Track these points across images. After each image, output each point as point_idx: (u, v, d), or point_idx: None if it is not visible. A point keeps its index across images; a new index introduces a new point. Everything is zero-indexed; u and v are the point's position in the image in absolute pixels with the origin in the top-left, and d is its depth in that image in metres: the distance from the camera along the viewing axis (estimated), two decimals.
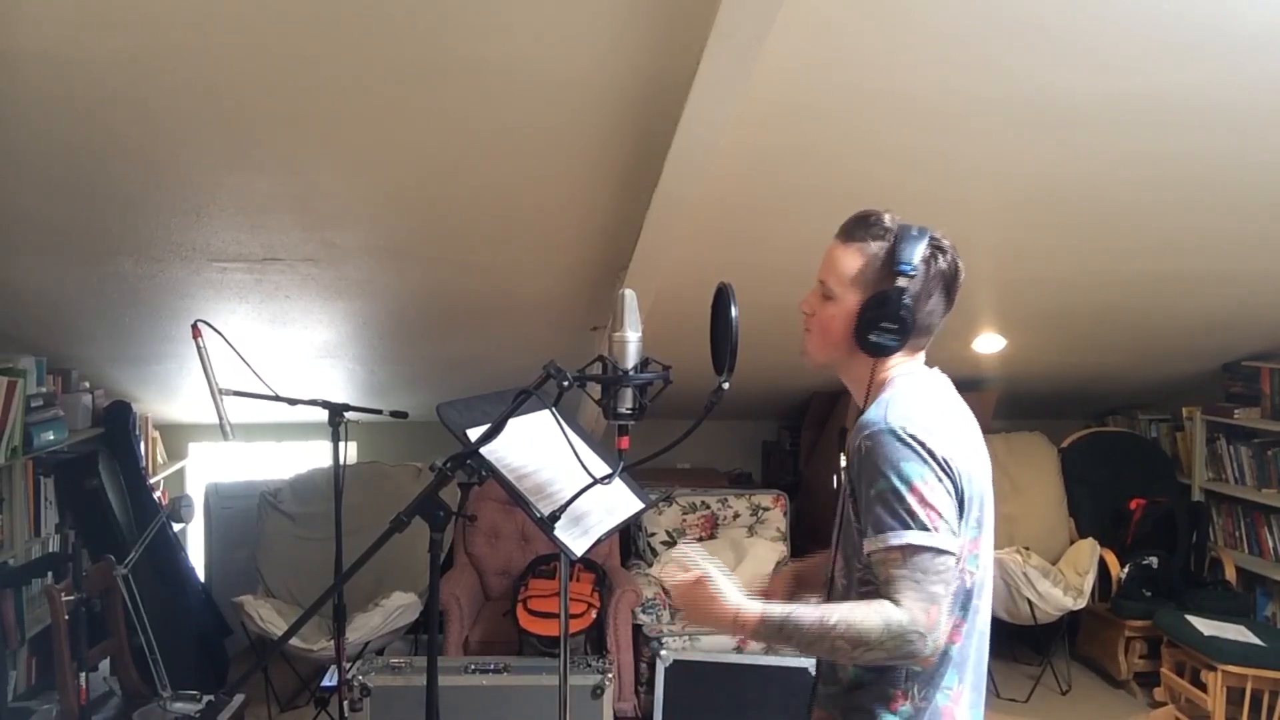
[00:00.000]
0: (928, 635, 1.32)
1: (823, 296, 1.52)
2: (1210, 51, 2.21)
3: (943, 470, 1.36)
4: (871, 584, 1.39)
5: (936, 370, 1.55)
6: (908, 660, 1.35)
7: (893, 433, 1.37)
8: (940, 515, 1.34)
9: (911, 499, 1.34)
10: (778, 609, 1.39)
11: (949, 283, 1.48)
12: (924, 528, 1.33)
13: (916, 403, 1.42)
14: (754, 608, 1.40)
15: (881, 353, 1.46)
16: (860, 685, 1.46)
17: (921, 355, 1.54)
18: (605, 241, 3.08)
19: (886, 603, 1.33)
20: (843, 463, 3.63)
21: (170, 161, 2.55)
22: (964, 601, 1.43)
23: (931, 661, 1.38)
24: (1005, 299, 3.71)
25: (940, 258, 1.47)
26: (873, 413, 1.42)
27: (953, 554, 1.35)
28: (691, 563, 1.47)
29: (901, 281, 1.43)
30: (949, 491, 1.36)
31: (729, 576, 1.45)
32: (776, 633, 1.37)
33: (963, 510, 1.40)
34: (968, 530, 1.42)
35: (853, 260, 1.48)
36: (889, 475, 1.36)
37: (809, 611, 1.37)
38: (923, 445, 1.36)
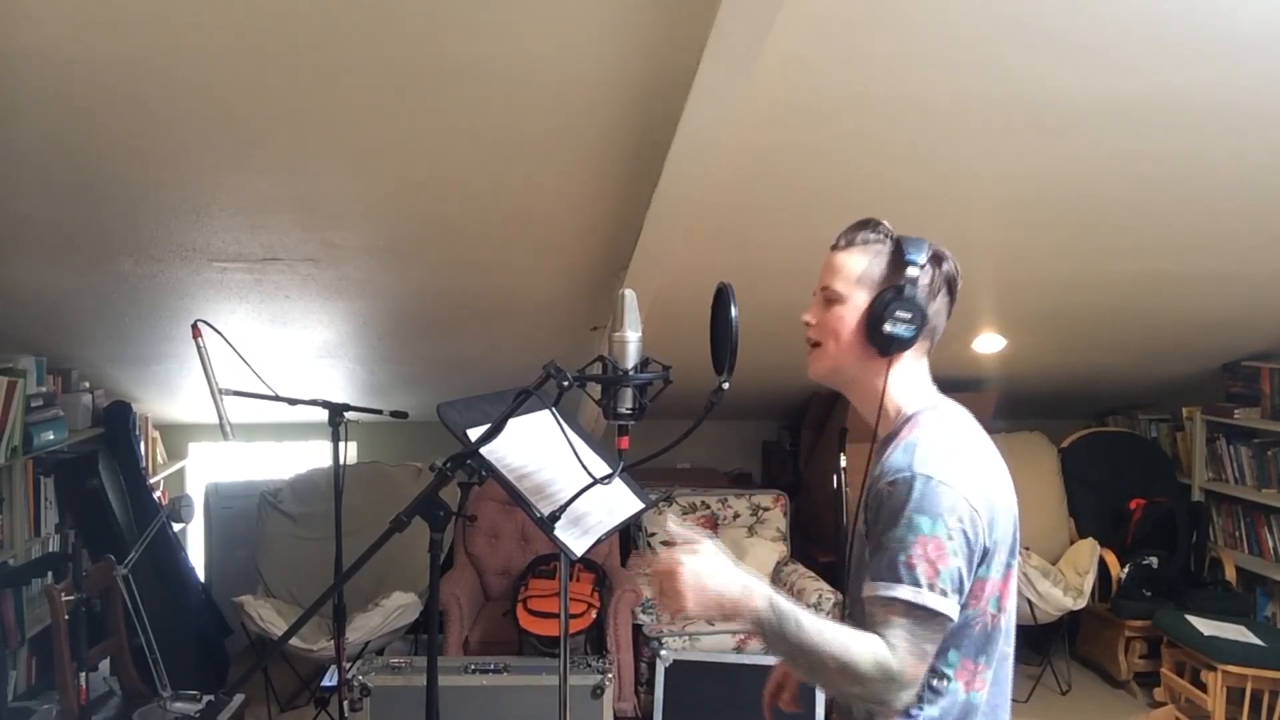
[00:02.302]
0: (908, 688, 1.31)
1: (826, 302, 1.50)
2: (1210, 51, 2.21)
3: (960, 526, 1.33)
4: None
5: (958, 405, 1.52)
6: (878, 705, 1.33)
7: (918, 481, 1.33)
8: (938, 576, 1.30)
9: (915, 553, 1.31)
10: (788, 603, 1.33)
11: (951, 284, 1.49)
12: (917, 584, 1.30)
13: (943, 447, 1.39)
14: (764, 590, 1.33)
15: (896, 346, 1.44)
16: None
17: (926, 365, 1.52)
18: (605, 241, 3.07)
19: (882, 643, 1.30)
20: (842, 463, 3.63)
21: (170, 161, 2.55)
22: (984, 646, 1.40)
23: (896, 714, 1.35)
24: (1005, 299, 3.71)
25: (943, 260, 1.49)
26: (899, 457, 1.38)
27: (946, 617, 1.32)
28: (685, 538, 1.38)
29: (912, 271, 1.43)
30: (956, 551, 1.32)
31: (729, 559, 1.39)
32: (777, 623, 1.31)
33: (985, 558, 1.37)
34: (994, 573, 1.39)
35: (857, 260, 1.48)
36: (900, 523, 1.33)
37: (814, 619, 1.33)
38: (943, 499, 1.32)
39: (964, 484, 1.35)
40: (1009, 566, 1.42)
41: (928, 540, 1.31)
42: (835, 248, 1.51)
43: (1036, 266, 3.44)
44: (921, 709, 1.38)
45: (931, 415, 1.45)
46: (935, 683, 1.38)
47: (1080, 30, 2.13)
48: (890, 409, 1.48)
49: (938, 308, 1.48)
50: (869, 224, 1.50)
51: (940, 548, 1.31)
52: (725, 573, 1.36)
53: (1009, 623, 1.44)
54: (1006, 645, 1.44)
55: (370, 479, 4.30)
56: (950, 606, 1.31)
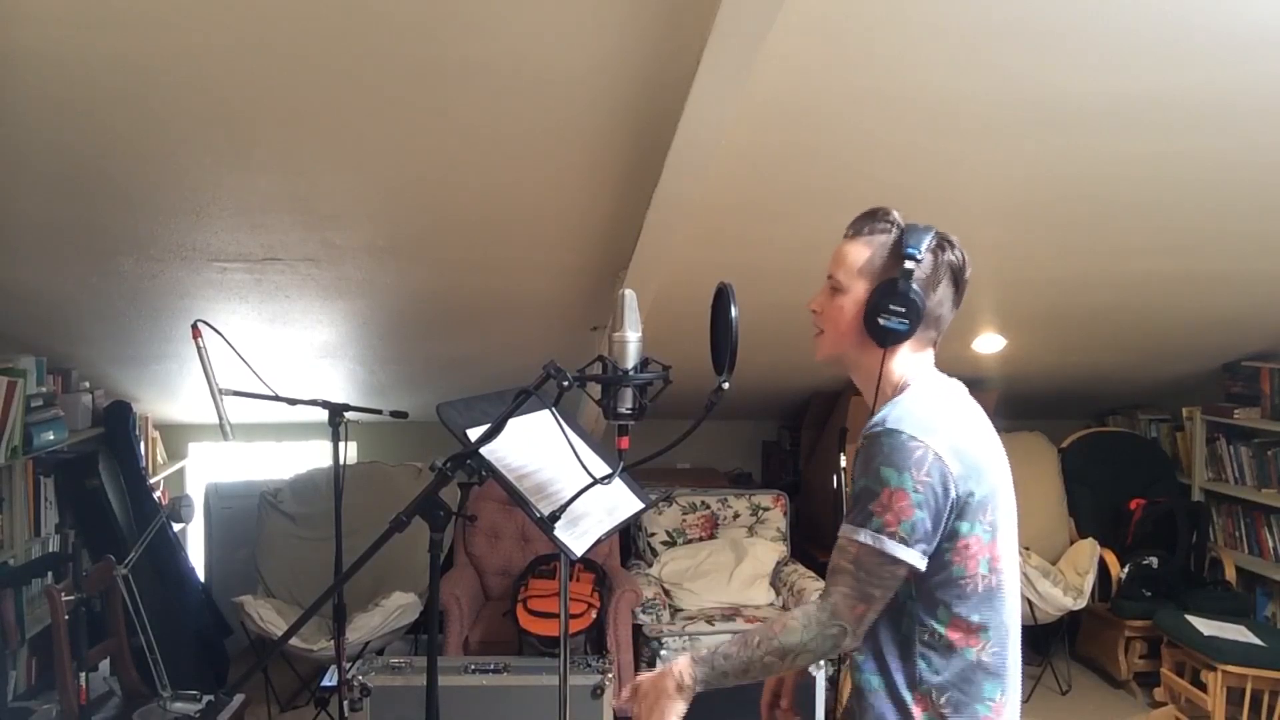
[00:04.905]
0: (850, 628, 1.40)
1: (831, 291, 1.54)
2: (1210, 51, 2.21)
3: (927, 480, 1.37)
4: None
5: (953, 380, 1.55)
6: (834, 653, 1.43)
7: (888, 434, 1.39)
8: (899, 524, 1.36)
9: (880, 501, 1.37)
10: (704, 650, 1.49)
11: (957, 274, 1.50)
12: (877, 531, 1.37)
13: (922, 406, 1.43)
14: (683, 659, 1.49)
15: (891, 339, 1.46)
16: (870, 692, 1.47)
17: (931, 354, 1.54)
18: (605, 241, 3.07)
19: (799, 608, 1.44)
20: (842, 463, 3.64)
21: (170, 161, 2.55)
22: (979, 606, 1.42)
23: (850, 649, 1.43)
24: (1005, 299, 3.71)
25: (948, 249, 1.49)
26: (879, 415, 1.44)
27: (902, 563, 1.37)
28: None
29: (909, 264, 1.44)
30: (921, 504, 1.37)
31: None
32: (711, 669, 1.47)
33: (961, 512, 1.40)
34: (980, 531, 1.41)
35: (861, 251, 1.50)
36: (870, 474, 1.40)
37: (731, 641, 1.48)
38: (913, 452, 1.37)
39: (935, 439, 1.39)
40: (995, 528, 1.44)
41: (893, 491, 1.37)
42: (845, 236, 1.54)
43: (1036, 266, 3.44)
44: (917, 664, 1.42)
45: (921, 382, 1.50)
46: (928, 638, 1.43)
47: (1080, 30, 2.13)
48: (888, 389, 1.51)
49: (939, 298, 1.49)
50: (877, 213, 1.52)
51: (904, 498, 1.37)
52: (658, 671, 1.53)
53: (1010, 592, 1.47)
54: (1005, 604, 1.46)
55: (370, 479, 4.30)
56: (910, 555, 1.37)
